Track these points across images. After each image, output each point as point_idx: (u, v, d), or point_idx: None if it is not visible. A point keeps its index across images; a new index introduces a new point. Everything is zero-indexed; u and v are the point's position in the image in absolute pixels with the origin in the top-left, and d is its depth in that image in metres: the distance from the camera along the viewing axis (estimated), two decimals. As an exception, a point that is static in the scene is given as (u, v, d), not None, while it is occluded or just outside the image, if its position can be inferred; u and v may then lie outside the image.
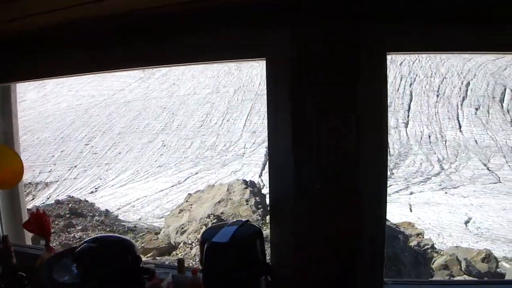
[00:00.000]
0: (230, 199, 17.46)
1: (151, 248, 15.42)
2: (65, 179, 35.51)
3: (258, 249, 2.57)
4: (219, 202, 17.43)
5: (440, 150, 35.57)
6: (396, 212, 21.92)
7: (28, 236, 4.16)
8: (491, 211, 24.58)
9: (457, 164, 33.31)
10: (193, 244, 14.35)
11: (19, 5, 2.65)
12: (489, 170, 32.13)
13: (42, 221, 3.17)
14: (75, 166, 37.51)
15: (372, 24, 2.42)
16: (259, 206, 16.47)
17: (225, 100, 46.51)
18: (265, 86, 2.78)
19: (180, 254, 14.46)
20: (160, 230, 17.65)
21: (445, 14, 2.29)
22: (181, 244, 15.11)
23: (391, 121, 39.12)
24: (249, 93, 45.56)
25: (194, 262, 12.89)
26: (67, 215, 20.37)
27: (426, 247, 15.39)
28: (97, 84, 52.92)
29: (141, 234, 18.71)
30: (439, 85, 44.57)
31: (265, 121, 2.83)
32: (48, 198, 30.64)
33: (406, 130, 38.73)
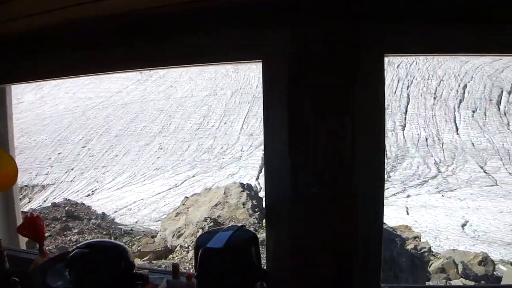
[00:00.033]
0: (227, 202, 17.45)
1: (148, 251, 15.38)
2: (61, 181, 35.48)
3: (253, 255, 2.53)
4: (216, 205, 17.41)
5: (437, 153, 35.65)
6: (393, 215, 21.95)
7: (23, 240, 4.12)
8: (488, 214, 24.61)
9: (454, 166, 33.38)
10: (190, 247, 14.32)
11: (17, 6, 2.63)
12: (486, 172, 32.20)
13: (36, 226, 3.13)
14: (72, 169, 37.50)
15: (372, 24, 2.41)
16: (256, 209, 16.46)
17: (223, 102, 46.56)
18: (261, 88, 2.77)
19: (176, 258, 14.43)
20: (157, 233, 17.62)
21: (445, 14, 2.28)
22: (178, 248, 15.07)
23: (388, 124, 39.16)
24: (247, 96, 45.63)
25: (190, 266, 12.85)
26: (64, 218, 20.32)
27: (423, 250, 15.37)
28: (94, 86, 52.93)
29: (138, 237, 18.67)
30: (436, 88, 44.70)
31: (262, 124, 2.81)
32: (44, 201, 30.61)
33: (403, 132, 38.81)
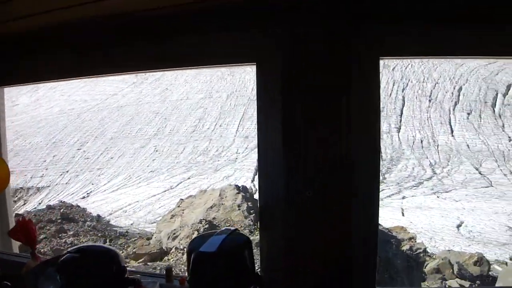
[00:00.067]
0: (222, 204, 17.42)
1: (143, 253, 15.35)
2: (56, 184, 35.40)
3: (246, 258, 2.51)
4: (211, 207, 17.38)
5: (432, 155, 35.69)
6: (388, 216, 21.96)
7: (16, 243, 4.10)
8: (483, 214, 24.66)
9: (449, 168, 33.42)
10: (185, 249, 14.30)
11: (17, 6, 2.62)
12: (481, 174, 32.26)
13: (28, 229, 3.10)
14: (67, 171, 37.41)
15: (372, 24, 2.41)
16: (251, 211, 16.44)
17: (218, 105, 46.53)
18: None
19: (172, 260, 14.41)
20: (152, 235, 17.60)
21: (445, 14, 2.28)
22: (173, 250, 15.06)
23: (384, 126, 39.20)
24: (242, 98, 45.61)
25: (185, 268, 12.86)
26: (59, 220, 20.27)
27: (418, 251, 15.39)
28: (89, 88, 52.82)
29: (133, 239, 18.63)
30: (432, 90, 44.76)
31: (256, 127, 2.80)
32: (39, 203, 30.52)
33: (398, 135, 38.85)
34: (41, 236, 18.26)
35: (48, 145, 42.61)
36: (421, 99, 43.66)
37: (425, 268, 14.90)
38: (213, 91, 49.38)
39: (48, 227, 19.13)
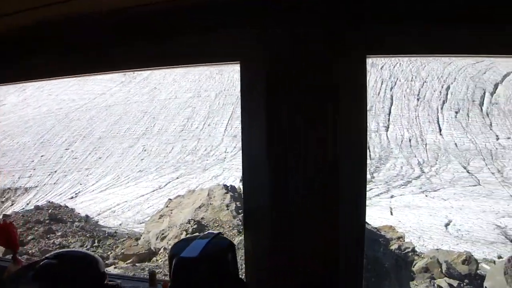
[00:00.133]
0: (210, 204, 17.42)
1: (131, 254, 15.32)
2: (45, 184, 35.25)
3: (230, 263, 2.46)
4: (199, 207, 17.37)
5: (421, 154, 35.83)
6: (376, 215, 22.02)
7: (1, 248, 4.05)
8: (471, 213, 24.80)
9: (437, 167, 33.57)
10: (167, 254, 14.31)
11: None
12: (469, 173, 32.43)
13: (9, 233, 3.05)
14: (55, 171, 37.25)
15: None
16: (240, 211, 16.43)
17: (207, 104, 46.47)
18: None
19: (160, 260, 14.39)
20: (141, 235, 17.56)
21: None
22: (161, 250, 15.04)
23: (372, 125, 39.33)
24: (231, 97, 45.57)
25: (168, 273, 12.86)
26: (47, 221, 20.23)
27: (407, 250, 15.45)
28: (77, 88, 52.58)
29: (122, 239, 18.61)
30: (420, 89, 44.93)
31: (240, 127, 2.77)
32: (27, 204, 30.40)
33: (386, 133, 38.95)
34: (29, 237, 18.22)
35: (36, 145, 42.40)
36: (409, 98, 43.81)
37: (413, 267, 14.96)
38: (202, 90, 49.32)
39: (36, 228, 19.10)
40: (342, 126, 2.48)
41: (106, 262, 15.97)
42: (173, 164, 36.22)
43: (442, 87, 44.79)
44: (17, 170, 37.40)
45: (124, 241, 17.84)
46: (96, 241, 18.63)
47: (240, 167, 2.81)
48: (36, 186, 34.85)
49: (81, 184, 34.41)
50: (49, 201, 26.22)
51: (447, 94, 43.93)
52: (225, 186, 19.13)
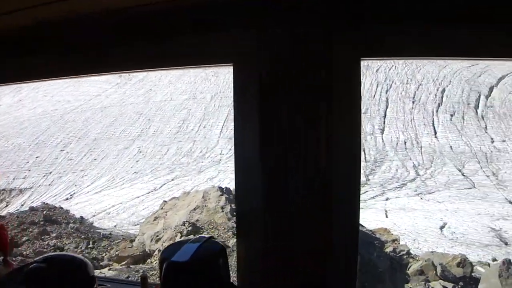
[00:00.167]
0: (205, 206, 17.40)
1: (126, 256, 15.28)
2: (39, 185, 35.20)
3: (221, 268, 2.40)
4: (194, 209, 17.35)
5: (416, 156, 35.91)
6: (372, 218, 22.04)
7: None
8: (466, 216, 24.86)
9: (433, 170, 33.64)
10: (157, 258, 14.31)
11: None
12: (464, 175, 32.51)
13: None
14: (50, 173, 37.20)
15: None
16: (235, 214, 16.43)
17: (202, 106, 46.49)
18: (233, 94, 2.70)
19: (154, 262, 14.35)
20: (135, 237, 17.52)
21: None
22: (156, 252, 15.00)
23: (367, 128, 39.41)
24: (226, 99, 45.60)
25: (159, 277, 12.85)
26: (42, 222, 20.18)
27: (401, 253, 15.45)
28: (73, 89, 52.55)
29: (116, 241, 18.57)
30: (415, 92, 45.04)
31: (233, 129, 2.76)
32: (22, 205, 30.35)
33: (382, 136, 39.02)
34: (24, 239, 18.17)
35: (31, 146, 42.35)
36: (404, 101, 43.92)
37: (408, 270, 14.97)
38: (197, 92, 49.35)
39: (30, 229, 19.06)
40: (339, 127, 2.47)
41: (101, 263, 15.95)
42: (168, 166, 36.20)
43: (438, 90, 44.92)
44: (12, 171, 37.33)
45: (118, 243, 17.81)
46: (90, 242, 18.59)
47: (236, 169, 2.79)
48: (31, 187, 34.81)
49: (76, 185, 34.35)
50: (44, 203, 26.15)
51: (442, 97, 44.05)
52: (220, 188, 19.12)
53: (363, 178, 29.79)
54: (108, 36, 2.86)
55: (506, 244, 21.31)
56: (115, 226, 24.25)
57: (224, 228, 15.67)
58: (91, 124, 45.84)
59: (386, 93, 45.20)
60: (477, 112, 41.92)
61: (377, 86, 45.96)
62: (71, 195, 32.46)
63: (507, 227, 23.12)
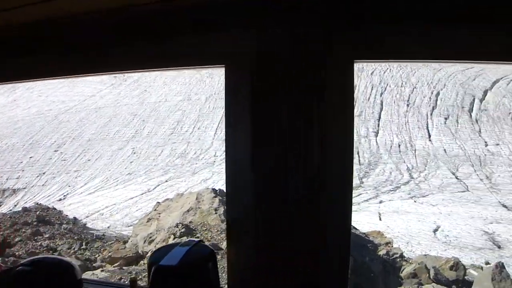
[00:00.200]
0: (199, 208, 17.38)
1: (119, 257, 15.25)
2: (33, 186, 35.11)
3: (210, 272, 2.43)
4: (188, 211, 17.33)
5: (410, 159, 35.97)
6: (365, 220, 22.03)
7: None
8: (459, 219, 24.90)
9: (426, 173, 33.70)
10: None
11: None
12: (458, 179, 32.57)
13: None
14: (44, 173, 37.10)
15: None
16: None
17: (197, 107, 46.48)
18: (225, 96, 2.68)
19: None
20: (129, 239, 17.50)
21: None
22: (149, 254, 14.96)
23: (362, 130, 39.47)
24: (221, 101, 45.49)
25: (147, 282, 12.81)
26: (35, 223, 20.16)
27: (395, 256, 15.49)
28: (67, 89, 52.45)
29: (110, 242, 18.55)
30: (410, 95, 45.15)
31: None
32: (15, 205, 30.26)
33: (376, 139, 39.07)
34: (16, 239, 18.12)
35: (24, 146, 42.23)
36: (399, 104, 44.01)
37: (401, 272, 14.99)
38: (192, 93, 49.33)
39: (23, 230, 19.02)
40: (333, 127, 2.47)
41: (94, 264, 15.92)
42: (162, 167, 36.17)
43: (432, 93, 45.04)
44: (5, 172, 37.22)
45: (112, 244, 17.79)
46: (84, 243, 18.55)
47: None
48: (24, 188, 34.71)
49: (69, 186, 34.28)
50: (37, 203, 26.12)
51: (436, 100, 44.17)
52: (214, 190, 19.10)
53: (357, 181, 29.86)
54: (108, 36, 2.85)
55: (499, 247, 21.35)
56: (108, 227, 24.20)
57: (217, 230, 15.66)
58: (85, 125, 45.75)
59: (381, 96, 45.27)
60: (471, 115, 42.03)
61: (371, 89, 46.04)
62: (64, 195, 32.37)
63: (500, 231, 23.18)
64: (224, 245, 13.63)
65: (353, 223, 17.14)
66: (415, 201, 28.31)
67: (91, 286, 2.79)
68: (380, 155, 36.60)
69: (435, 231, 23.27)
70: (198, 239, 2.64)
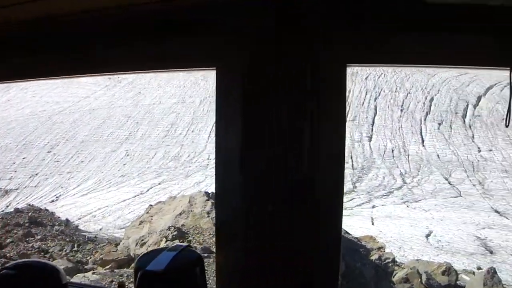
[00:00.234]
0: (191, 211, 17.35)
1: (110, 260, 15.21)
2: (25, 187, 34.98)
3: (198, 277, 2.39)
4: (180, 214, 17.30)
5: (403, 164, 36.03)
6: (358, 225, 22.06)
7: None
8: (452, 224, 24.96)
9: (419, 178, 33.76)
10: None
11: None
12: (450, 184, 32.65)
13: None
14: (36, 174, 36.99)
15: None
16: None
17: (191, 110, 46.45)
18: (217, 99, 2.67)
19: (139, 266, 14.29)
20: (120, 241, 17.46)
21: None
22: (140, 257, 14.95)
23: (355, 135, 39.53)
24: (215, 104, 45.53)
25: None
26: (27, 224, 20.10)
27: (387, 260, 15.50)
28: (62, 90, 52.32)
29: (102, 245, 18.50)
30: (404, 100, 45.25)
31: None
32: (7, 206, 30.12)
33: (369, 144, 39.12)
34: (8, 240, 18.05)
35: (17, 147, 42.11)
36: (393, 109, 44.10)
37: (393, 277, 15.00)
38: (186, 96, 49.31)
39: (15, 231, 18.96)
40: (326, 128, 2.46)
41: (85, 267, 15.87)
42: (155, 170, 36.12)
43: (426, 98, 45.17)
44: (-3, 172, 37.17)
45: (103, 246, 17.75)
46: (75, 245, 18.50)
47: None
48: (17, 189, 34.59)
49: (62, 187, 34.18)
50: (29, 204, 26.07)
51: (430, 105, 44.30)
52: (207, 193, 19.09)
53: (350, 186, 29.86)
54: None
55: (491, 252, 21.41)
56: (100, 229, 24.13)
57: (210, 234, 15.63)
58: (79, 126, 45.65)
59: (375, 100, 45.36)
60: (464, 121, 42.16)
61: (366, 94, 46.12)
62: (57, 197, 32.28)
63: (492, 236, 23.25)
64: (216, 248, 13.62)
65: (346, 228, 17.16)
66: (407, 206, 28.35)
67: (78, 289, 2.75)
68: (374, 160, 36.64)
69: (427, 236, 23.31)
70: (186, 243, 2.62)
